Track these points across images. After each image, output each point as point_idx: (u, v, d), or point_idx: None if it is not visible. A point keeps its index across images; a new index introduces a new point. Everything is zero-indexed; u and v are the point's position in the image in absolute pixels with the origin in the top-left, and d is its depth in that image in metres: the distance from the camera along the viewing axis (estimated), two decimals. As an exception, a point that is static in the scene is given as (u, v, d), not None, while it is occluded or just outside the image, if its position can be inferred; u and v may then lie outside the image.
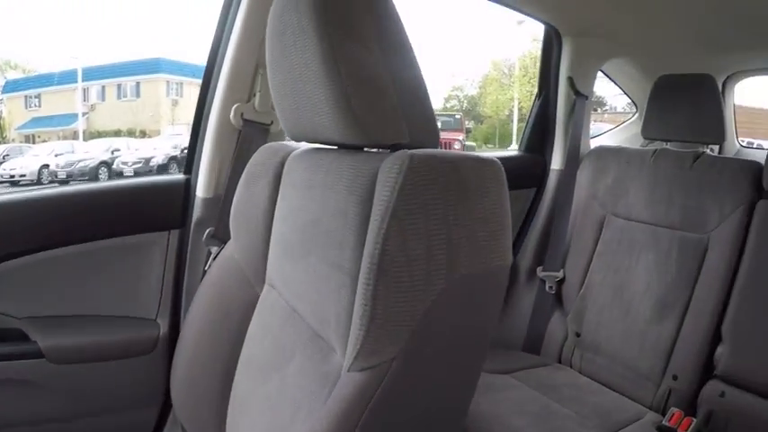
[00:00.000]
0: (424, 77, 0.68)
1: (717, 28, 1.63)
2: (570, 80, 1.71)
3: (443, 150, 0.62)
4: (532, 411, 1.26)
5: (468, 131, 10.40)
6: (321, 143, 0.75)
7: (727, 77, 2.24)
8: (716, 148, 2.11)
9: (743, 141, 2.56)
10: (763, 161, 1.36)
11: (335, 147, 0.74)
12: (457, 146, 9.15)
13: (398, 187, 0.55)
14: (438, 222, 0.55)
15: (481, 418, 1.22)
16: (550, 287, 1.63)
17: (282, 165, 0.83)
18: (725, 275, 1.33)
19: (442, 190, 0.56)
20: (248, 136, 1.17)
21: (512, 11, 1.55)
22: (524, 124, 1.85)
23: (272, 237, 0.83)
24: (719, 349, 1.31)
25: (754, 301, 1.28)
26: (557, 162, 1.75)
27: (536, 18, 1.63)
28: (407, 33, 0.67)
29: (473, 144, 9.74)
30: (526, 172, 1.76)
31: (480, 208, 0.58)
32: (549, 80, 1.75)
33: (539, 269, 1.66)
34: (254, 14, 1.11)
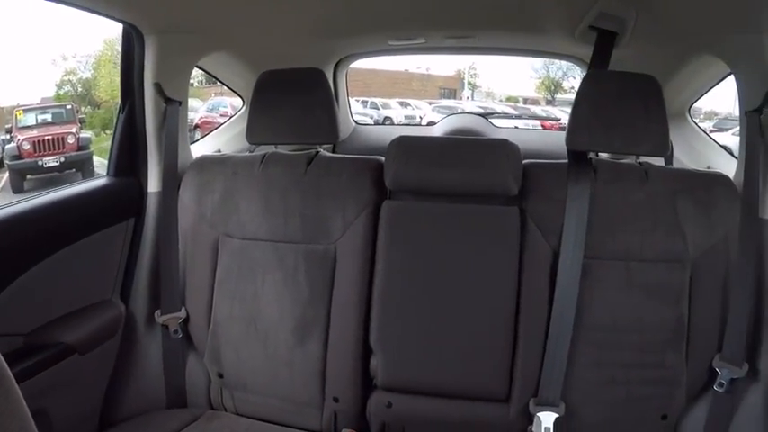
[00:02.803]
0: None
1: (320, 16, 1.56)
2: (158, 86, 1.43)
3: None
4: None
5: (82, 121, 8.90)
6: None
7: (338, 63, 2.22)
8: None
9: (357, 100, 2.63)
10: (381, 141, 1.31)
11: None
12: (71, 140, 7.72)
13: None
14: None
15: None
16: (175, 331, 1.39)
17: None
18: (360, 285, 1.29)
19: None
20: None
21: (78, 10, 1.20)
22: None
23: None
24: (373, 360, 1.29)
25: (393, 305, 1.27)
26: (154, 183, 1.46)
27: (108, 17, 1.30)
28: None
29: (88, 136, 8.40)
30: (119, 201, 1.44)
31: None
32: (134, 88, 1.44)
33: (157, 313, 1.40)
34: None
